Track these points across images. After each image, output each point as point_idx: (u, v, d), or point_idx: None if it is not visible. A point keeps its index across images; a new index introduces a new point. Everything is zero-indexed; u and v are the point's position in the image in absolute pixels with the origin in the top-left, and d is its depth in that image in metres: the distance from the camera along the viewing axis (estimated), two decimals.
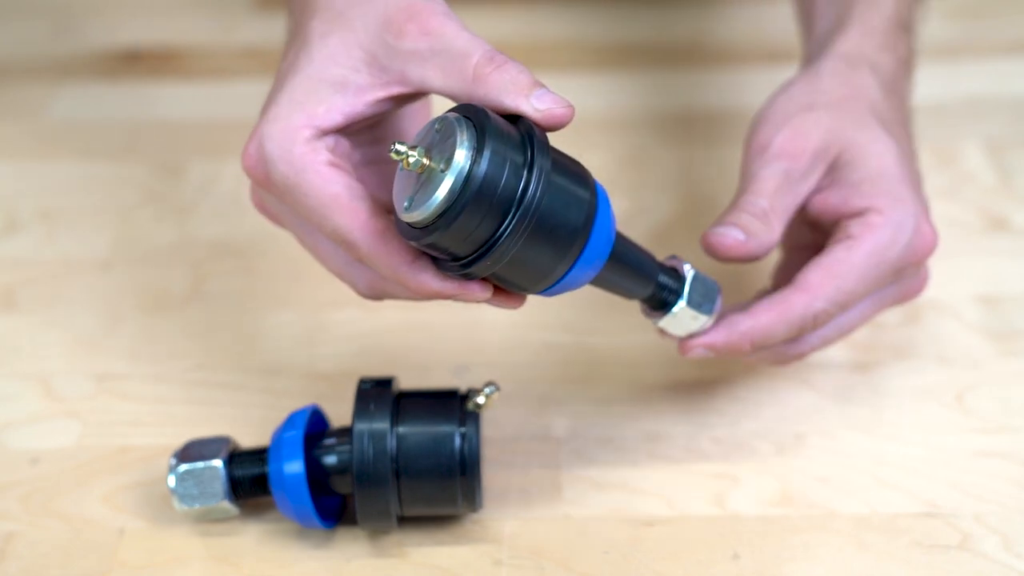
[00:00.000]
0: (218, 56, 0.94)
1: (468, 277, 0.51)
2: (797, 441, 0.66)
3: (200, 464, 0.60)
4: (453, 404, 0.60)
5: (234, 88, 0.91)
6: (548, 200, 0.49)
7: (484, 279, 0.52)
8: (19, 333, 0.73)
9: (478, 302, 0.52)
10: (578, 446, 0.66)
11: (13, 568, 0.61)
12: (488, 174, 0.47)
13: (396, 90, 0.53)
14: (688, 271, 0.59)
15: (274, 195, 0.54)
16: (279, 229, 0.79)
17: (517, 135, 0.49)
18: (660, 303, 0.59)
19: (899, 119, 0.65)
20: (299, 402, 0.64)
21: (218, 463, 0.60)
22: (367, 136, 0.57)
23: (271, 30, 0.92)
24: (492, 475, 0.64)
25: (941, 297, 0.73)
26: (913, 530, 0.61)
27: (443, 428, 0.59)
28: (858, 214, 0.60)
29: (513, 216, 0.48)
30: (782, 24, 0.85)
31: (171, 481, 0.60)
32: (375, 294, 0.55)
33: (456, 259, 0.50)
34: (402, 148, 0.48)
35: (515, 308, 0.54)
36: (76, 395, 0.69)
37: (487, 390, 0.60)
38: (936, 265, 0.75)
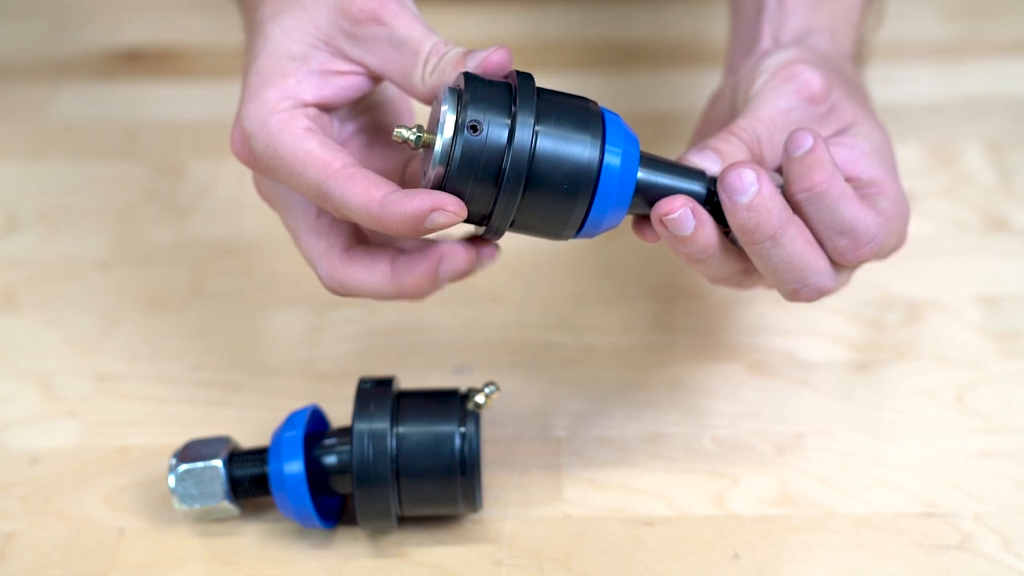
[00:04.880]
0: (218, 56, 0.94)
1: (494, 235, 0.53)
2: (797, 441, 0.66)
3: (200, 464, 0.60)
4: (453, 404, 0.60)
5: (234, 88, 0.90)
6: (539, 152, 0.51)
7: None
8: (19, 333, 0.73)
9: (451, 221, 0.51)
10: (578, 446, 0.66)
11: (13, 568, 0.61)
12: (467, 141, 0.50)
13: (358, 70, 0.55)
14: None
15: (261, 172, 0.55)
16: (279, 228, 0.79)
17: (505, 92, 0.51)
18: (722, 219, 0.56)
19: None
20: (299, 402, 0.64)
21: (218, 463, 0.60)
22: (357, 107, 0.58)
23: None
24: (492, 475, 0.64)
25: (941, 297, 0.73)
26: (913, 530, 0.61)
27: (443, 428, 0.59)
28: (876, 185, 0.58)
29: (503, 173, 0.50)
30: None
31: (171, 481, 0.60)
32: (336, 285, 0.56)
33: (478, 218, 0.52)
34: (401, 131, 0.52)
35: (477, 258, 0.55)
36: (76, 395, 0.69)
37: (487, 390, 0.60)
38: (936, 265, 0.75)
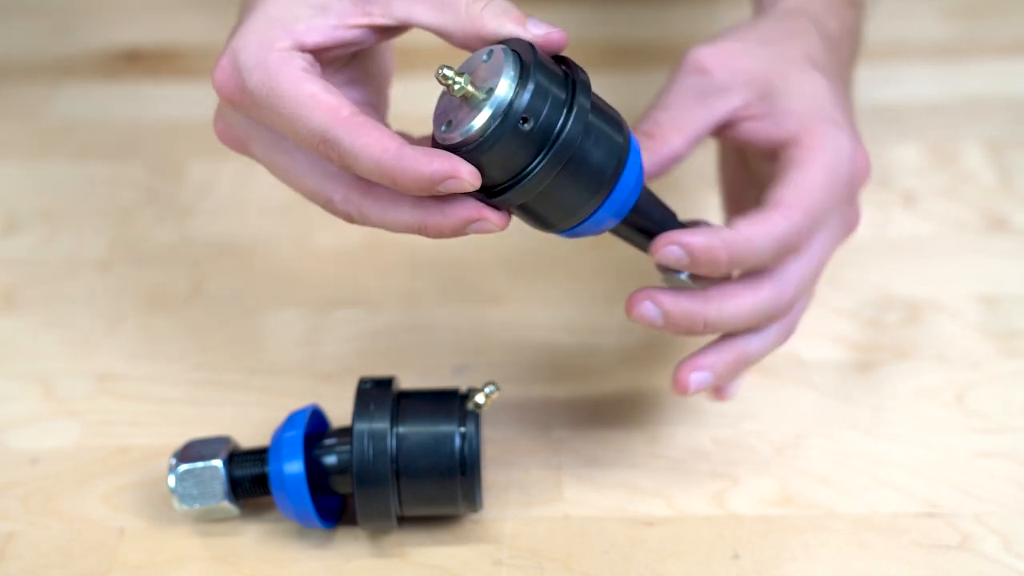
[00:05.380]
0: (218, 56, 0.94)
1: (495, 206, 0.52)
2: (797, 441, 0.66)
3: (200, 464, 0.60)
4: (453, 404, 0.60)
5: None
6: (583, 139, 0.50)
7: (505, 210, 0.52)
8: (19, 333, 0.73)
9: (463, 190, 0.50)
10: (578, 446, 0.66)
11: (13, 568, 0.61)
12: (528, 107, 0.49)
13: (379, 21, 0.53)
14: None
15: (246, 108, 0.53)
16: (278, 228, 0.79)
17: (560, 73, 0.51)
18: None
19: (837, 72, 0.63)
20: (299, 402, 0.64)
21: (218, 463, 0.60)
22: (342, 76, 0.56)
23: None
24: (492, 475, 0.64)
25: (941, 297, 0.73)
26: (913, 530, 0.61)
27: (443, 428, 0.58)
28: (794, 140, 0.58)
29: (548, 151, 0.50)
30: None
31: (171, 481, 0.60)
32: (350, 209, 0.54)
33: (486, 186, 0.51)
34: (449, 73, 0.49)
35: (497, 228, 0.52)
36: (76, 395, 0.69)
37: (487, 390, 0.60)
38: (936, 265, 0.75)
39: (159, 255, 0.78)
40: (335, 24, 0.53)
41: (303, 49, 0.52)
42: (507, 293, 0.75)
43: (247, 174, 0.83)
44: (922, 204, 0.79)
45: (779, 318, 0.59)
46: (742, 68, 0.60)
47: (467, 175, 0.49)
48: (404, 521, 0.61)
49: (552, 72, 0.50)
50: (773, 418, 0.67)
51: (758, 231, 0.56)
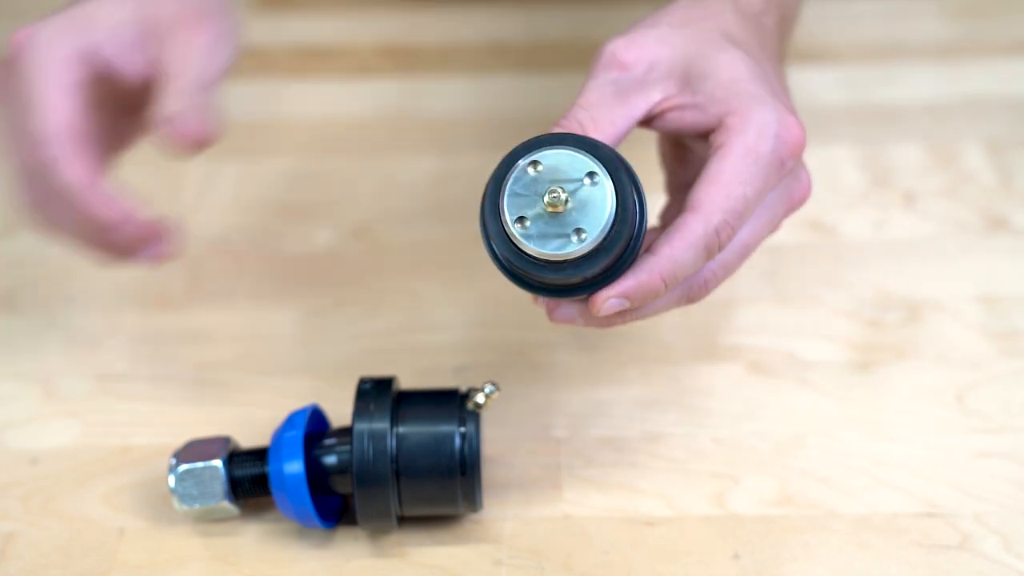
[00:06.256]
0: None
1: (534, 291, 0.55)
2: (797, 441, 0.66)
3: (200, 464, 0.60)
4: (453, 404, 0.60)
5: (234, 88, 0.91)
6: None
7: None
8: (19, 333, 0.73)
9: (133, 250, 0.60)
10: (578, 446, 0.66)
11: (13, 568, 0.61)
12: (606, 264, 0.51)
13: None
14: None
15: (13, 72, 0.60)
16: (279, 229, 0.79)
17: (628, 180, 0.52)
18: None
19: (758, 44, 0.61)
20: (299, 402, 0.64)
21: (218, 463, 0.60)
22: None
23: (271, 30, 0.92)
24: (492, 475, 0.64)
25: (941, 297, 0.73)
26: (913, 530, 0.61)
27: (443, 428, 0.59)
28: (719, 124, 0.57)
29: (604, 281, 0.53)
30: None
31: (171, 481, 0.60)
32: (38, 211, 0.62)
33: (539, 284, 0.53)
34: (564, 196, 0.50)
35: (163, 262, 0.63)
36: (76, 395, 0.69)
37: (487, 390, 0.60)
38: (936, 265, 0.75)
39: None
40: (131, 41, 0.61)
41: (90, 62, 0.60)
42: (507, 293, 0.75)
43: (247, 174, 0.83)
44: (922, 204, 0.79)
45: (694, 296, 0.59)
46: (659, 58, 0.58)
47: (134, 228, 0.60)
48: (404, 521, 0.61)
49: (631, 190, 0.51)
50: (773, 418, 0.67)
51: (678, 246, 0.55)
